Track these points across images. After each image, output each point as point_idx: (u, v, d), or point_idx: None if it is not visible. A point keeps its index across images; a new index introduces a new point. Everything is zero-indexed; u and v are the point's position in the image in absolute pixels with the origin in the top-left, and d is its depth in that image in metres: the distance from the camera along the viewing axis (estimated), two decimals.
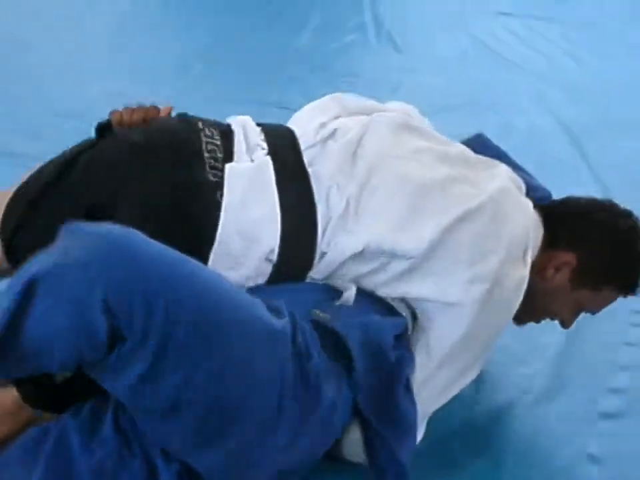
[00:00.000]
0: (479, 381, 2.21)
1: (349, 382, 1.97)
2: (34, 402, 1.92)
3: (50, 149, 2.19)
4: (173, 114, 2.22)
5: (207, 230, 2.01)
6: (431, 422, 2.13)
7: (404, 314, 2.12)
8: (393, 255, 2.06)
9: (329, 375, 1.93)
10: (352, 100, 2.37)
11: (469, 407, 2.30)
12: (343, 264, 2.07)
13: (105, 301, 1.67)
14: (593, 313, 2.31)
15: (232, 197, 2.03)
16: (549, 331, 2.38)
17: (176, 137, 2.12)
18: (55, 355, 1.71)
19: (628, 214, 2.27)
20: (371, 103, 2.38)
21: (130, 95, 2.25)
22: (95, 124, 2.16)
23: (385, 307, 2.11)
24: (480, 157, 2.27)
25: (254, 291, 1.99)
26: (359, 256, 2.06)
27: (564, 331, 2.34)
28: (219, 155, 2.09)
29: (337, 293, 2.07)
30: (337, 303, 2.04)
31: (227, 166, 2.07)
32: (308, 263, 2.06)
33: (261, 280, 2.05)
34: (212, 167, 2.07)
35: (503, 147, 2.39)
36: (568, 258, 2.21)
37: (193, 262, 1.81)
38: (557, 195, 2.33)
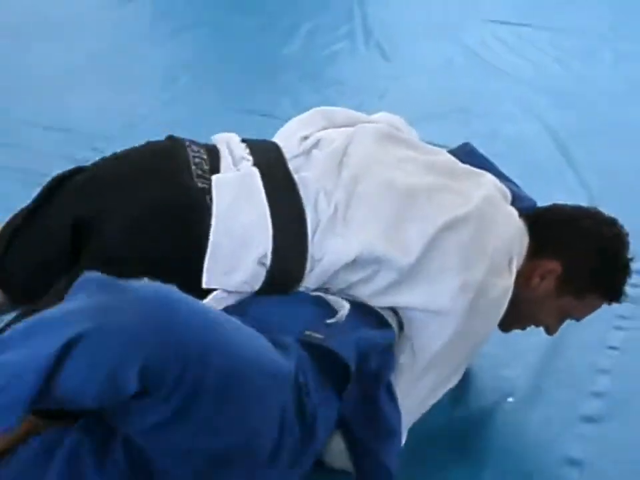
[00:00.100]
0: (460, 385, 2.20)
1: (339, 402, 1.96)
2: (38, 412, 1.90)
3: (33, 161, 2.18)
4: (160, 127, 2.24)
5: (199, 234, 2.00)
6: (411, 426, 2.12)
7: (393, 324, 2.11)
8: (382, 263, 2.05)
9: (322, 405, 1.91)
10: (338, 112, 2.37)
11: (450, 410, 2.29)
12: (336, 273, 2.06)
13: (143, 367, 1.64)
14: (578, 319, 2.32)
15: (221, 201, 2.04)
16: (530, 334, 2.37)
17: (163, 151, 2.15)
18: (78, 405, 1.70)
19: (613, 222, 2.27)
20: (357, 114, 2.38)
21: (115, 107, 2.25)
22: (78, 136, 2.16)
23: (375, 317, 2.10)
24: (466, 166, 2.28)
25: (250, 304, 2.00)
26: (351, 264, 2.06)
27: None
28: (206, 167, 2.11)
29: (330, 307, 2.05)
30: (331, 321, 2.02)
31: (214, 177, 2.08)
32: (300, 268, 2.05)
33: (257, 285, 2.03)
34: (199, 176, 2.08)
35: (490, 153, 2.39)
36: (553, 266, 2.21)
37: (225, 320, 1.79)
38: (543, 201, 2.33)
